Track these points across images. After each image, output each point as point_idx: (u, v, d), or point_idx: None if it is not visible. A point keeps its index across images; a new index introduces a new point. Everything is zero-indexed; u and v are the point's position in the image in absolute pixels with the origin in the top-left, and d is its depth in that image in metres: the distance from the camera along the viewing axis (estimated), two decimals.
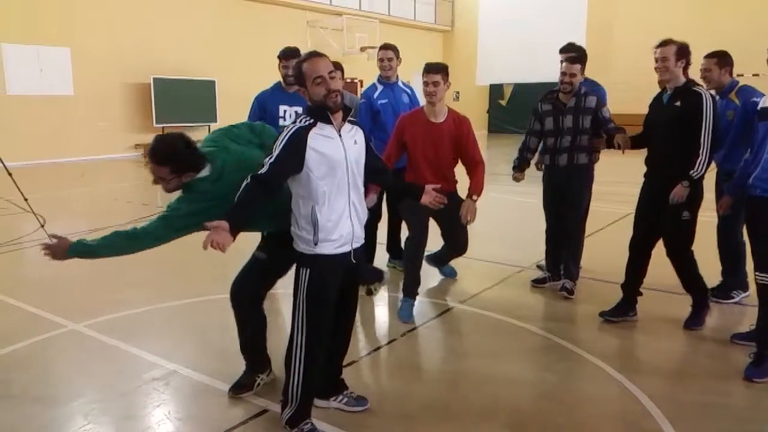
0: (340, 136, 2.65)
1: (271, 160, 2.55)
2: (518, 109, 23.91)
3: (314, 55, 2.65)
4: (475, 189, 4.29)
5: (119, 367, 3.56)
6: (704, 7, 20.28)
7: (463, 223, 4.25)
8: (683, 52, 3.89)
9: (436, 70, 4.20)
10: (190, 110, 16.82)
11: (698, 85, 3.95)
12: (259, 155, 2.83)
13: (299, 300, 2.69)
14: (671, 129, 3.93)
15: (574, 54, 4.68)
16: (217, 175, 2.82)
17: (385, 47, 5.15)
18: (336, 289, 2.74)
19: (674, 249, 4.08)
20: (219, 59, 17.57)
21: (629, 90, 20.71)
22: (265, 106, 4.75)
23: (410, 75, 19.08)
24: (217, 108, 17.30)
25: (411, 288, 4.42)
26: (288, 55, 4.68)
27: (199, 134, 17.43)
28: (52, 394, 3.21)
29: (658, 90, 4.18)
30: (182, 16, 16.83)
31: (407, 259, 4.49)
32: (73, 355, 3.77)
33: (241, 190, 2.54)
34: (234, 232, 2.44)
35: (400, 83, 5.24)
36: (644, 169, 4.18)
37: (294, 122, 2.64)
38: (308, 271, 2.68)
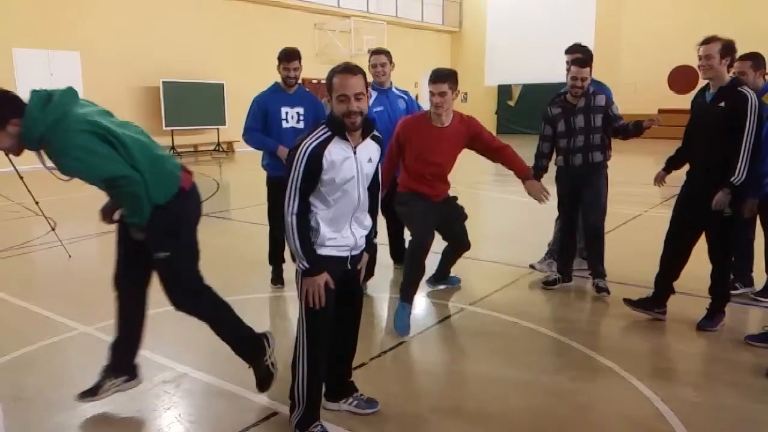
0: (355, 153, 2.63)
1: (295, 187, 2.54)
2: (527, 109, 23.90)
3: (347, 71, 2.54)
4: (522, 170, 4.22)
5: None
6: (712, 8, 20.16)
7: (541, 201, 4.19)
8: (728, 49, 3.74)
9: (442, 79, 3.94)
10: (199, 113, 16.92)
11: (743, 84, 3.82)
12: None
13: (301, 302, 2.68)
14: (715, 130, 3.81)
15: (581, 56, 4.65)
16: (43, 98, 2.57)
17: (377, 52, 4.96)
18: (333, 291, 2.70)
19: (718, 247, 3.98)
20: (227, 62, 17.66)
21: (637, 90, 20.67)
22: (266, 109, 4.70)
23: (418, 76, 19.07)
24: (226, 111, 17.39)
25: (409, 291, 4.10)
26: (288, 56, 4.66)
27: (208, 137, 17.59)
28: (62, 396, 3.22)
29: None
30: (190, 19, 16.92)
31: (409, 256, 4.13)
32: (84, 358, 3.77)
33: (291, 234, 2.56)
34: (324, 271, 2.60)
35: (394, 89, 5.06)
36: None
37: (310, 134, 2.60)
38: None
